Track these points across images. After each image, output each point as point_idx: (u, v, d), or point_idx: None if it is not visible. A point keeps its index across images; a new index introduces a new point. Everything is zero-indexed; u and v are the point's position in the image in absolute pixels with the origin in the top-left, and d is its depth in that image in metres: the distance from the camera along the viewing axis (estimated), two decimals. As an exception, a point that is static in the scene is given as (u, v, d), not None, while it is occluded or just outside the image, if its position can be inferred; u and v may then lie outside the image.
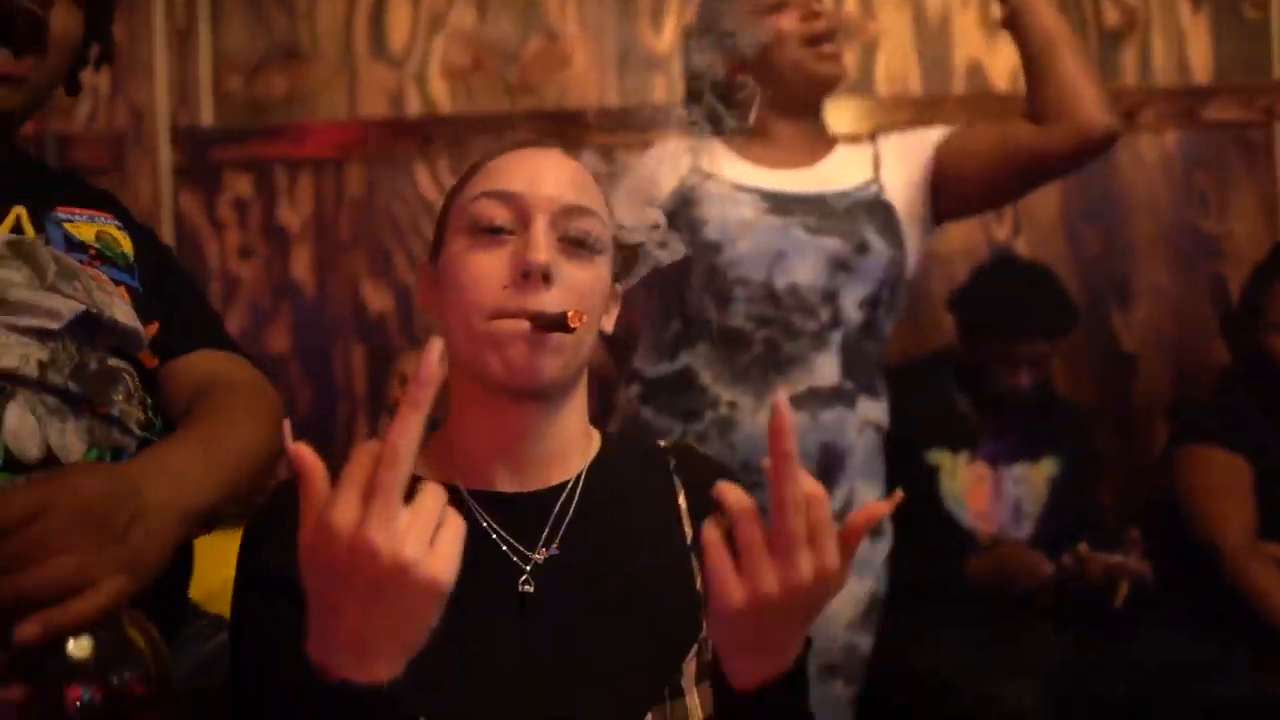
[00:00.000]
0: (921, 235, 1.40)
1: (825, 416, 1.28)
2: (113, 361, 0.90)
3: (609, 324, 0.83)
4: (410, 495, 0.58)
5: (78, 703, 0.65)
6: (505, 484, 0.79)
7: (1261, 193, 1.95)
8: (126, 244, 0.98)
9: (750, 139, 1.36)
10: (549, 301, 0.72)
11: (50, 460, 0.82)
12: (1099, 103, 1.25)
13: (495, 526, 0.77)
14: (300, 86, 1.97)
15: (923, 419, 1.68)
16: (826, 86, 1.39)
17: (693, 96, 1.45)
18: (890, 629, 1.40)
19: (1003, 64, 1.96)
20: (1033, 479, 1.71)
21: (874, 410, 1.35)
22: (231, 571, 1.01)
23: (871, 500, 1.35)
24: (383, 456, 0.55)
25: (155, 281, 0.99)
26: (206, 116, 1.97)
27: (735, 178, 1.34)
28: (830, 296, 1.29)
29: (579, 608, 0.76)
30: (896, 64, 1.97)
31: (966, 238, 1.94)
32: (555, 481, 0.80)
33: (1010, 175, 1.33)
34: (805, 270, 1.28)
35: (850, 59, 1.96)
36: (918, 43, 1.97)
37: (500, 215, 0.75)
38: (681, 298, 1.32)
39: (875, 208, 1.34)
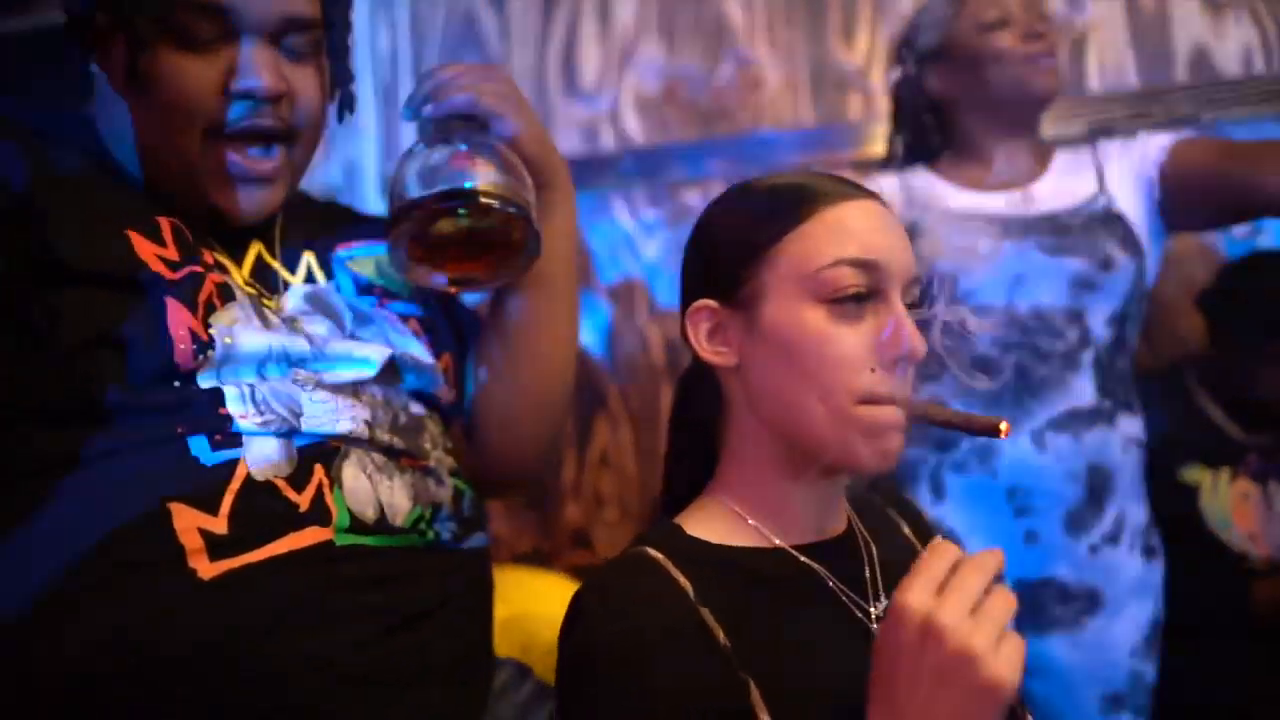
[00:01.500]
0: (1156, 244, 1.35)
1: (1089, 437, 1.25)
2: (415, 408, 0.91)
3: None
4: (732, 569, 0.73)
5: None
6: (804, 536, 0.78)
7: None
8: None
9: (962, 162, 1.37)
10: (908, 383, 0.73)
11: (381, 519, 0.82)
12: None
13: (836, 580, 0.77)
14: (498, 131, 2.05)
15: (1173, 434, 1.58)
16: (1045, 102, 1.39)
17: (900, 120, 1.44)
18: (1176, 664, 1.31)
19: (1231, 45, 1.85)
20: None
21: (1134, 426, 1.31)
22: (519, 609, 1.05)
23: (1140, 521, 1.28)
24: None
25: (438, 298, 1.01)
26: (412, 167, 2.07)
27: (956, 205, 1.33)
28: (1077, 316, 1.27)
29: None
30: (1110, 56, 1.89)
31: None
32: (839, 530, 0.81)
33: (1231, 204, 1.27)
34: (1047, 292, 1.26)
35: (1061, 58, 1.89)
36: (1132, 32, 1.88)
37: (862, 285, 0.72)
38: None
39: (1110, 220, 1.31)
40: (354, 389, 0.85)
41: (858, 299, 0.71)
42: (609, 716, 0.66)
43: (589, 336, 1.99)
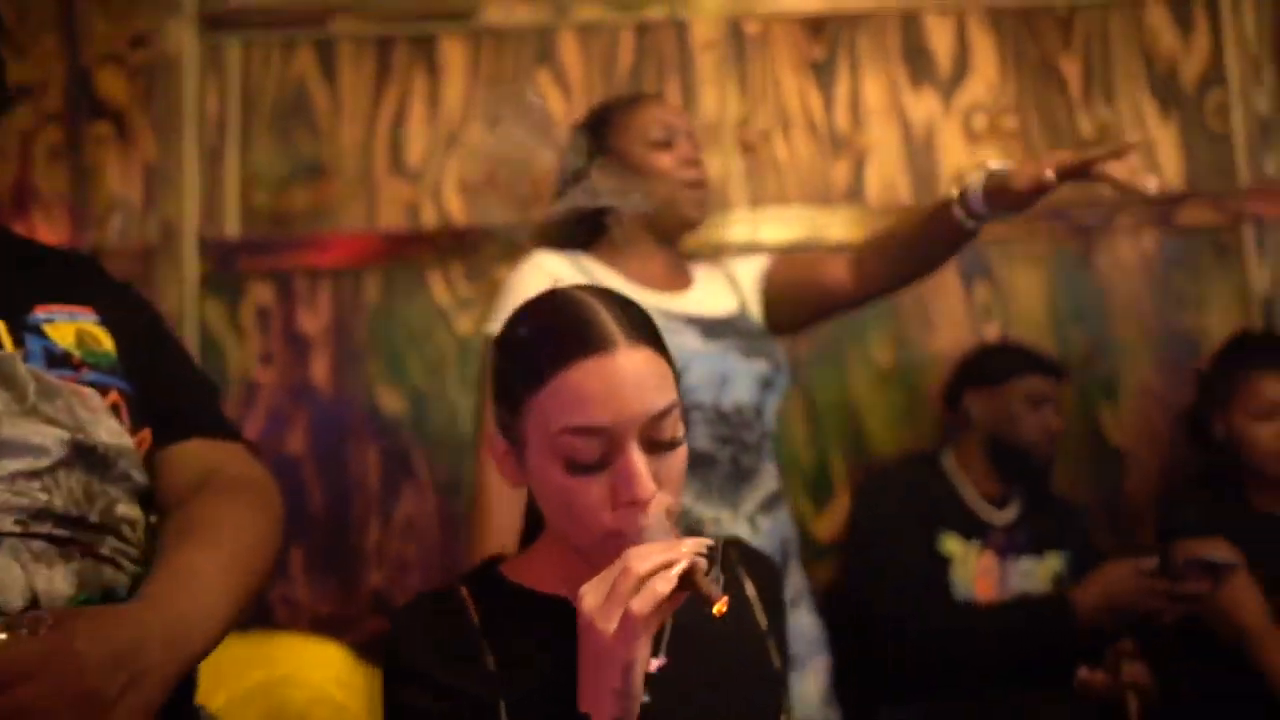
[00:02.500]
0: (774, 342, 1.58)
1: (779, 516, 1.45)
2: (107, 490, 0.87)
3: None
4: (523, 610, 0.85)
5: None
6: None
7: (1235, 290, 2.09)
8: (108, 341, 0.96)
9: (623, 257, 1.49)
10: (656, 509, 0.79)
11: (33, 607, 0.79)
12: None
13: None
14: (322, 200, 2.13)
15: (934, 510, 1.78)
16: (689, 226, 1.55)
17: (565, 208, 1.57)
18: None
19: (986, 174, 2.12)
20: (1038, 574, 1.79)
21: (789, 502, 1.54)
22: (248, 683, 1.09)
23: (804, 583, 1.52)
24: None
25: (143, 364, 0.96)
26: (233, 229, 2.12)
27: (652, 304, 1.45)
28: (759, 411, 1.45)
29: (689, 714, 0.85)
30: (887, 174, 2.14)
31: (956, 339, 2.07)
32: None
33: (809, 306, 1.54)
34: (743, 390, 1.43)
35: (842, 170, 2.13)
36: (906, 155, 2.14)
37: (593, 452, 0.79)
38: None
39: (760, 325, 1.53)
40: (28, 474, 0.82)
41: (594, 467, 0.80)
42: (396, 714, 0.86)
43: (399, 404, 2.06)
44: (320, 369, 2.09)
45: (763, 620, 0.93)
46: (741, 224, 2.09)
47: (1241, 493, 1.80)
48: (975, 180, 1.28)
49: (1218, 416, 1.80)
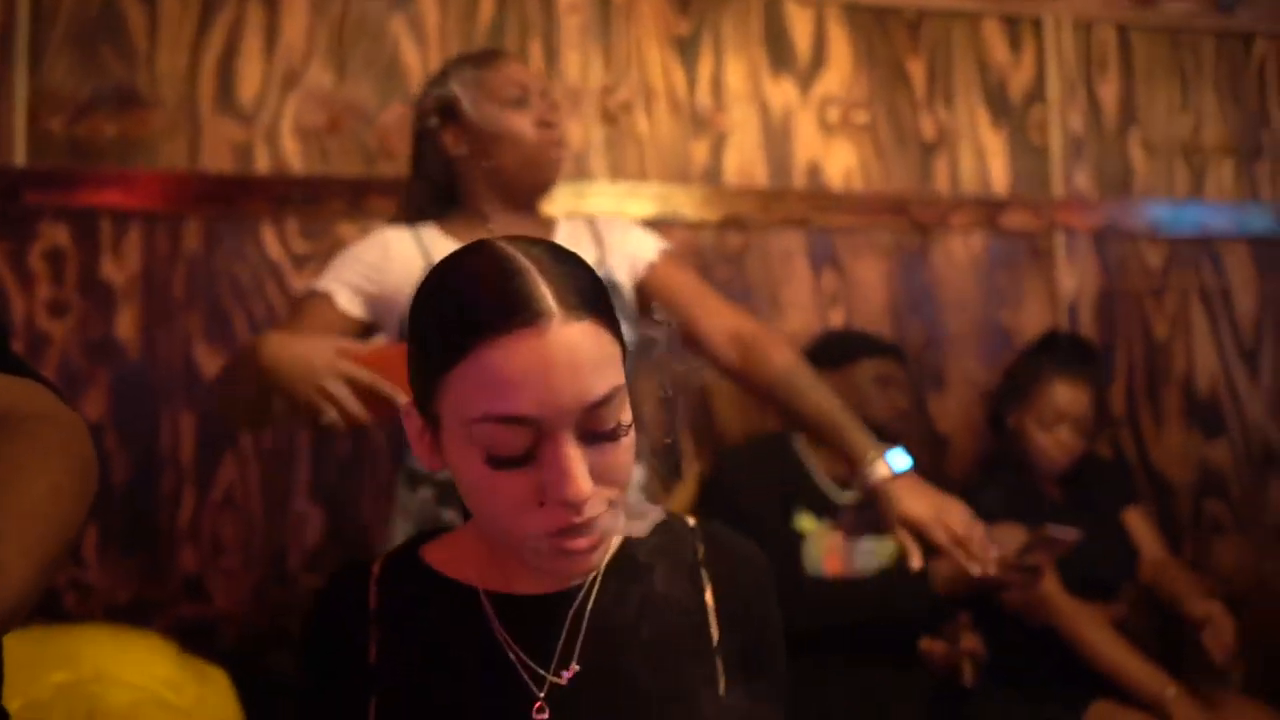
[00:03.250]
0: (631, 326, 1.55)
1: None
2: None
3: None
4: (428, 596, 0.79)
5: None
6: (526, 585, 0.78)
7: (1047, 292, 2.29)
8: None
9: (469, 224, 1.46)
10: (592, 505, 0.69)
11: None
12: None
13: (509, 640, 0.77)
14: (134, 133, 1.89)
15: (784, 488, 1.83)
16: (545, 188, 1.50)
17: (416, 171, 1.54)
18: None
19: (838, 164, 2.20)
20: (880, 553, 1.87)
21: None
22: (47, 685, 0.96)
23: None
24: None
25: None
26: (20, 157, 1.84)
27: None
28: None
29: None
30: (745, 156, 2.16)
31: (804, 324, 2.13)
32: (566, 584, 0.78)
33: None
34: None
35: (703, 149, 2.14)
36: (764, 139, 2.17)
37: (517, 444, 0.68)
38: None
39: (611, 286, 1.45)
40: None
41: (518, 461, 0.68)
42: (294, 683, 0.82)
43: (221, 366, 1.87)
44: (126, 324, 1.85)
45: (716, 635, 0.80)
46: (600, 195, 2.05)
47: (1033, 481, 1.96)
48: (883, 474, 1.33)
49: (1011, 413, 1.98)
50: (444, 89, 1.47)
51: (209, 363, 1.87)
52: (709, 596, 0.82)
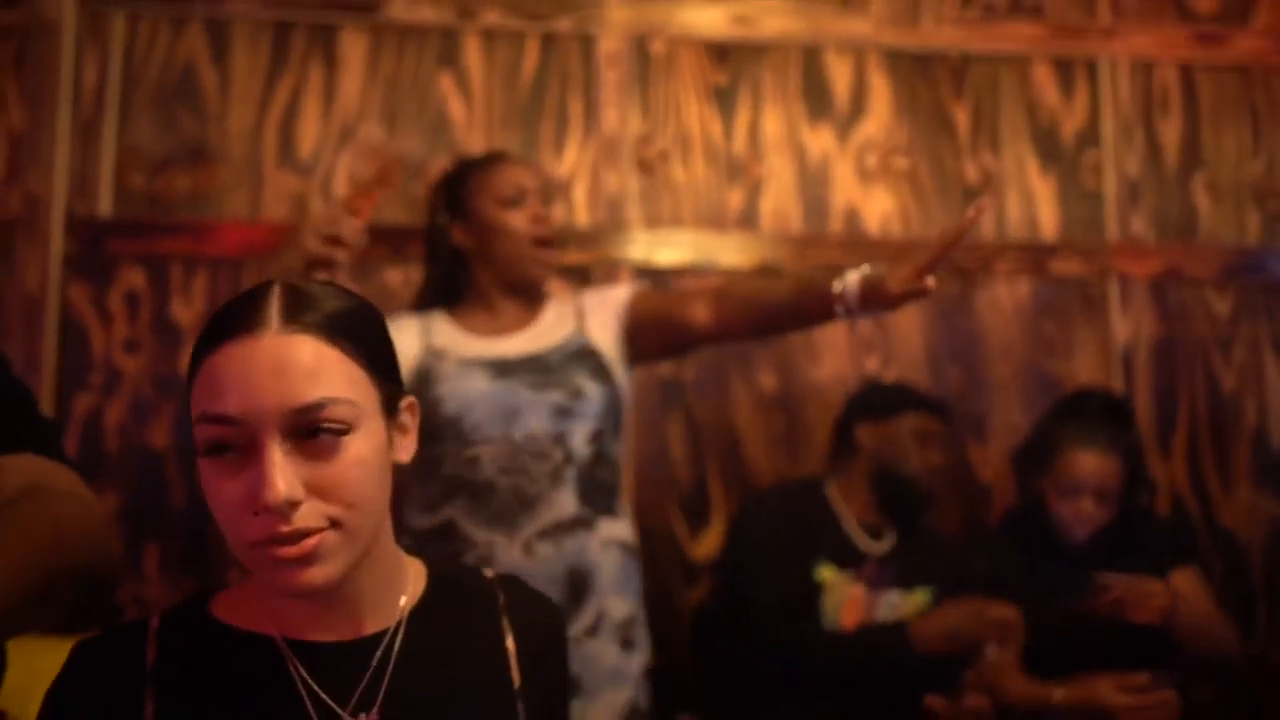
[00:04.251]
0: (626, 374, 1.67)
1: (568, 544, 1.49)
2: None
3: (405, 453, 0.81)
4: (214, 650, 0.77)
5: None
6: (320, 632, 0.78)
7: (1099, 340, 2.23)
8: None
9: (474, 310, 1.64)
10: (305, 516, 0.71)
11: None
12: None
13: (306, 689, 0.77)
14: (204, 186, 2.08)
15: (809, 537, 1.85)
16: (537, 279, 1.66)
17: (429, 263, 1.71)
18: None
19: (876, 210, 2.22)
20: (904, 607, 1.86)
21: (615, 529, 1.56)
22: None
23: (621, 615, 1.51)
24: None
25: None
26: (105, 209, 2.05)
27: (462, 353, 1.58)
28: (560, 438, 1.52)
29: None
30: (781, 204, 2.21)
31: (838, 370, 2.15)
32: (372, 630, 0.80)
33: (671, 340, 1.65)
34: (535, 420, 1.51)
35: (738, 196, 2.20)
36: (800, 186, 2.21)
37: (225, 437, 0.71)
38: (438, 461, 1.52)
39: (584, 354, 1.60)
40: None
41: (224, 449, 0.71)
42: None
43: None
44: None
45: (518, 679, 0.84)
46: (635, 243, 2.13)
47: (1044, 541, 1.90)
48: (853, 279, 1.37)
49: (1035, 476, 1.93)
50: (453, 188, 1.68)
51: (262, 398, 2.03)
52: (510, 643, 0.85)
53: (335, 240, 1.37)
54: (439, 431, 1.52)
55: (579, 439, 1.53)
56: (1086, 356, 2.23)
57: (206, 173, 2.09)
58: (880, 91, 2.25)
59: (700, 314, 1.56)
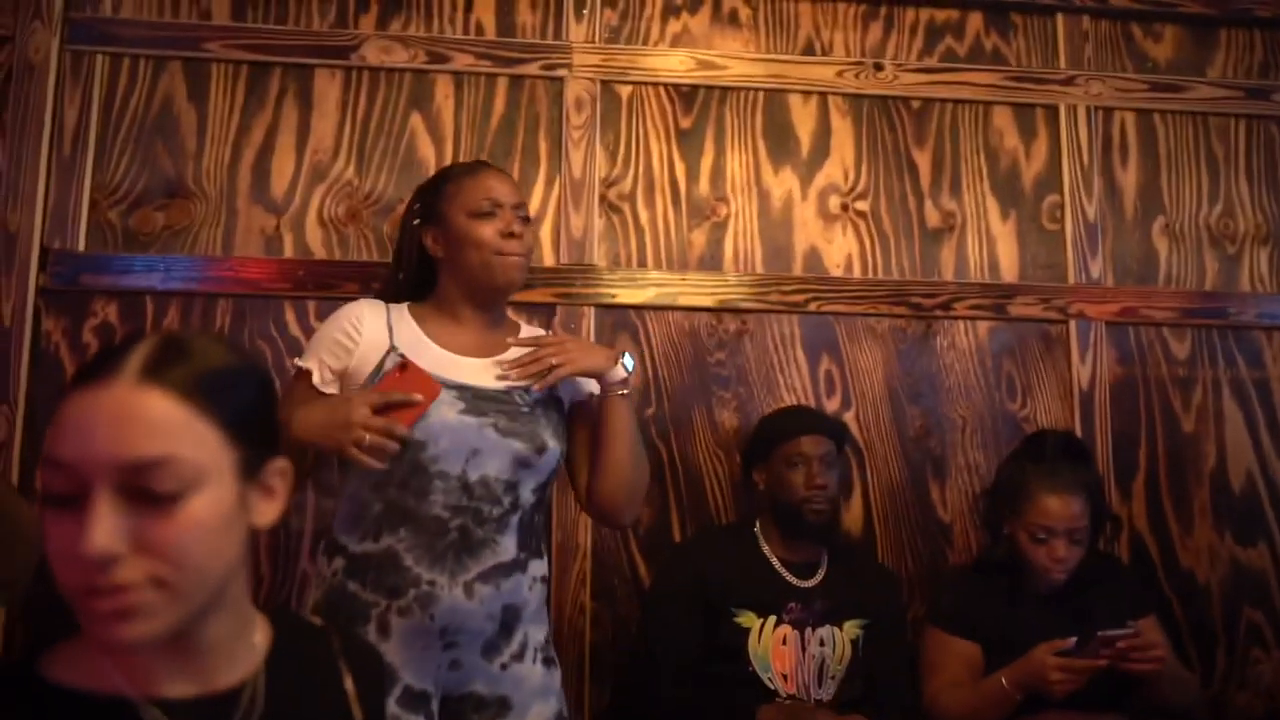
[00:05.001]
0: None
1: (505, 584, 1.51)
2: None
3: (266, 518, 0.80)
4: (53, 711, 0.74)
5: None
6: (172, 686, 0.78)
7: (1059, 381, 2.27)
8: None
9: (439, 317, 1.62)
10: (124, 572, 0.69)
11: None
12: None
13: None
14: (178, 222, 2.14)
15: (734, 580, 1.89)
16: (505, 292, 1.65)
17: (397, 259, 1.72)
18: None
19: (839, 252, 2.27)
20: (837, 641, 1.90)
21: (541, 568, 1.59)
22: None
23: (540, 639, 1.56)
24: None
25: None
26: (81, 243, 2.11)
27: (435, 369, 1.53)
28: (512, 486, 1.53)
29: None
30: (744, 245, 2.26)
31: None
32: (227, 683, 0.80)
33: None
34: (494, 465, 1.51)
35: (701, 237, 2.25)
36: (762, 227, 2.27)
37: (61, 485, 0.71)
38: (383, 482, 1.50)
39: (550, 403, 1.60)
40: None
41: (64, 498, 0.71)
42: None
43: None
44: (159, 393, 2.08)
45: (359, 713, 0.89)
46: (599, 285, 2.18)
47: (1027, 585, 1.93)
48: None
49: (1005, 520, 1.95)
50: (429, 193, 1.68)
51: (229, 430, 2.07)
52: (349, 685, 0.89)
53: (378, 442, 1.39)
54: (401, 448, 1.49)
55: (528, 488, 1.54)
56: (1046, 397, 2.27)
57: (181, 208, 2.15)
58: (843, 134, 2.31)
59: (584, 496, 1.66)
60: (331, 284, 2.13)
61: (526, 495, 1.54)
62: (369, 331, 1.58)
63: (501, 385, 1.56)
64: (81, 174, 2.13)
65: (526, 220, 1.65)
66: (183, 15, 2.21)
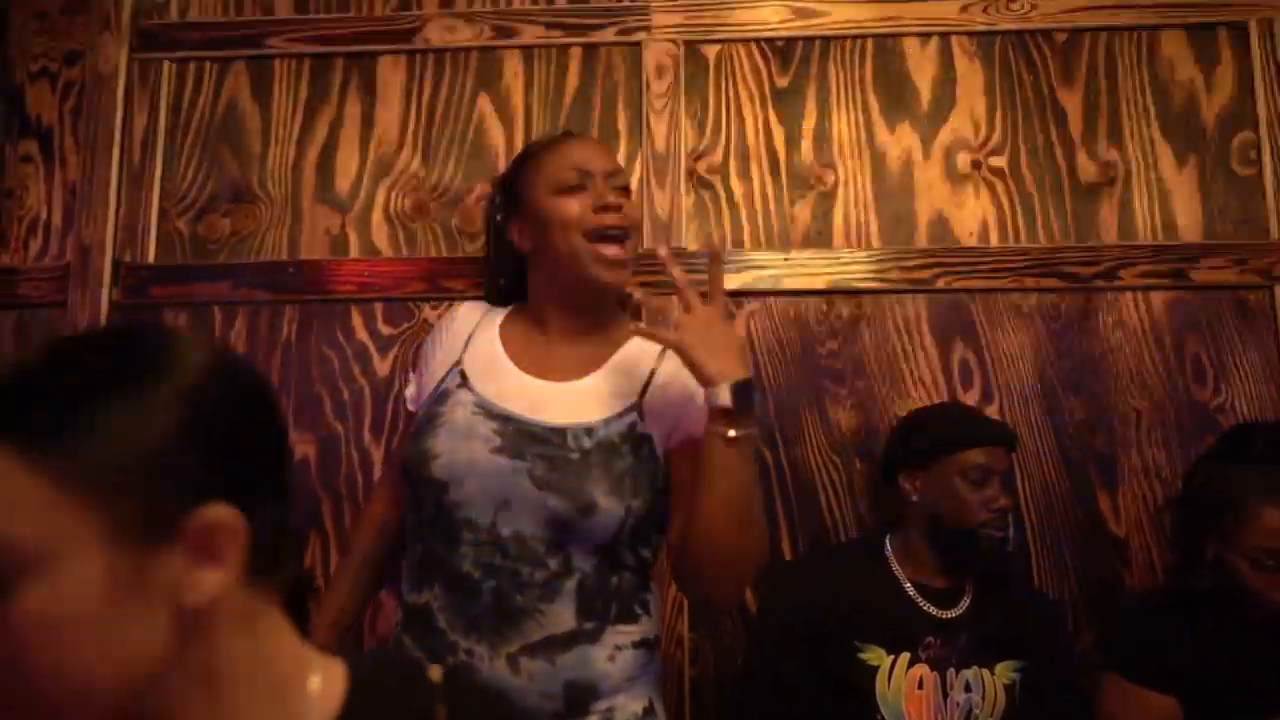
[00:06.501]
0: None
1: (564, 659, 1.21)
2: None
3: (204, 587, 0.59)
4: None
5: None
6: None
7: (1264, 360, 1.85)
8: None
9: (526, 323, 1.37)
10: None
11: None
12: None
13: None
14: (245, 227, 2.06)
15: (855, 612, 1.59)
16: (599, 291, 1.34)
17: (492, 268, 1.48)
18: None
19: (970, 218, 1.94)
20: (987, 686, 1.57)
21: (628, 634, 1.27)
22: None
23: (634, 710, 1.26)
24: None
25: None
26: (150, 254, 2.06)
27: (484, 390, 1.30)
28: (558, 546, 1.23)
29: None
30: (856, 217, 1.97)
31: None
32: None
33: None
34: (528, 522, 1.22)
35: (806, 210, 1.97)
36: (877, 195, 1.97)
37: None
38: (421, 520, 1.29)
39: (623, 444, 1.26)
40: None
41: None
42: None
43: (308, 449, 1.95)
44: (226, 407, 2.00)
45: None
46: (689, 269, 1.94)
47: (1220, 614, 1.54)
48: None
49: (1207, 540, 1.56)
50: (510, 178, 1.44)
51: (297, 444, 1.96)
52: None
53: None
54: (424, 486, 1.28)
55: (582, 551, 1.23)
56: (1247, 381, 1.85)
57: (247, 213, 2.06)
58: (971, 80, 1.98)
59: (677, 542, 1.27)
60: (399, 284, 1.98)
61: (582, 560, 1.23)
62: (449, 340, 1.41)
63: (559, 421, 1.26)
64: (150, 183, 2.08)
65: (627, 193, 1.37)
66: (247, 12, 2.14)
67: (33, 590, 0.52)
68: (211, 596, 0.58)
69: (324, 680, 0.67)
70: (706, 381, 1.19)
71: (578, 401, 1.29)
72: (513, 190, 1.41)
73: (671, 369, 1.30)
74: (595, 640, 1.23)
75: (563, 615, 1.22)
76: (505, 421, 1.27)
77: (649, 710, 1.28)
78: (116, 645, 0.55)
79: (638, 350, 1.35)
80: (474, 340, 1.38)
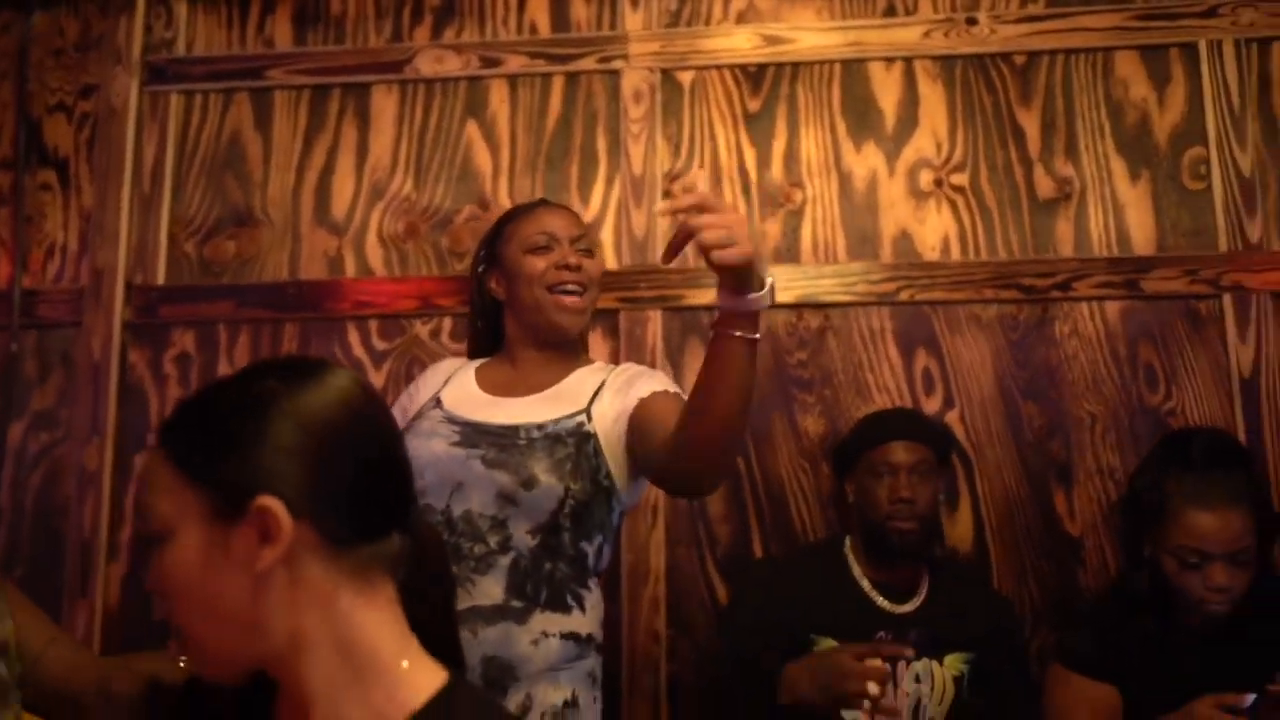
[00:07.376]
0: (631, 468, 1.47)
1: (486, 633, 1.37)
2: None
3: (259, 563, 0.75)
4: None
5: None
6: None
7: (1212, 367, 1.95)
8: None
9: (500, 364, 1.62)
10: (162, 611, 0.74)
11: None
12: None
13: None
14: (248, 250, 2.20)
15: (811, 605, 1.71)
16: (560, 332, 1.56)
17: (474, 314, 1.69)
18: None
19: (933, 233, 2.05)
20: (937, 677, 1.68)
21: (559, 623, 1.40)
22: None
23: (554, 700, 1.38)
24: None
25: None
26: (160, 276, 2.20)
27: (454, 408, 1.52)
28: (500, 524, 1.42)
29: None
30: (824, 232, 2.08)
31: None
32: None
33: (640, 456, 1.44)
34: (478, 499, 1.42)
35: (775, 227, 2.09)
36: (844, 212, 2.08)
37: None
38: None
39: (568, 438, 1.44)
40: None
41: None
42: None
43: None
44: (232, 420, 2.14)
45: None
46: (662, 286, 2.06)
47: (1162, 612, 1.64)
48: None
49: (1145, 538, 1.65)
50: (491, 235, 1.67)
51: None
52: None
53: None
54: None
55: (522, 529, 1.41)
56: (1197, 386, 1.95)
57: (250, 237, 2.21)
58: (933, 103, 2.09)
59: (668, 447, 1.36)
60: (393, 302, 2.12)
61: (522, 538, 1.41)
62: (433, 378, 1.63)
63: (513, 421, 1.47)
64: (159, 209, 2.23)
65: (589, 254, 1.59)
66: (249, 46, 2.28)
67: (168, 547, 0.76)
68: (269, 567, 0.75)
69: (416, 667, 0.78)
70: (746, 264, 1.19)
71: (532, 406, 1.51)
72: (493, 247, 1.65)
73: (620, 381, 1.51)
74: (521, 621, 1.38)
75: (492, 589, 1.39)
76: (466, 425, 1.49)
77: (570, 703, 1.40)
78: (215, 598, 0.76)
79: (590, 372, 1.57)
80: (452, 380, 1.61)
